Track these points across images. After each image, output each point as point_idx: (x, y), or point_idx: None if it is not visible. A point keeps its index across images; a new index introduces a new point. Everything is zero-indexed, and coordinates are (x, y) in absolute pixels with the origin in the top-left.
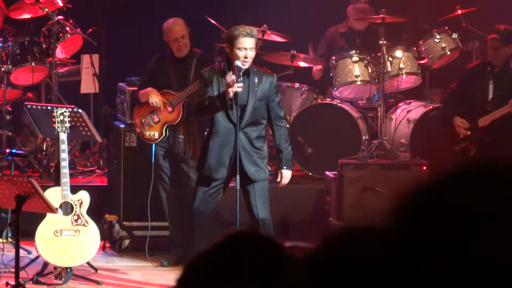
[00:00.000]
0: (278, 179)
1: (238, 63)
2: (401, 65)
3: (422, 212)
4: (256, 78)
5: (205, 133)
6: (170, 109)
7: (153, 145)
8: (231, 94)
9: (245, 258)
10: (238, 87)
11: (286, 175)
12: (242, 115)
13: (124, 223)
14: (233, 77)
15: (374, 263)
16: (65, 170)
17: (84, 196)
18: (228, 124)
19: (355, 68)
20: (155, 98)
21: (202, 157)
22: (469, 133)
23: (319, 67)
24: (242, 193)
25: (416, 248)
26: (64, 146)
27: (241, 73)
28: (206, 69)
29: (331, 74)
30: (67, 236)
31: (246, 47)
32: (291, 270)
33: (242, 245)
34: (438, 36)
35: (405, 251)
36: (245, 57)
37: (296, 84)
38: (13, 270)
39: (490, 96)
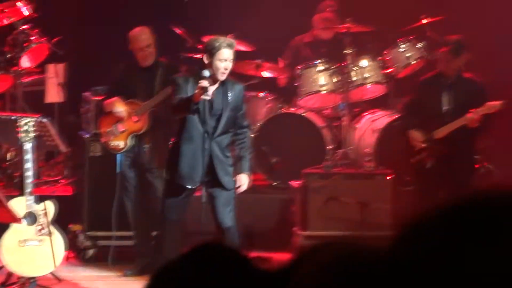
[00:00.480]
0: (237, 184)
1: (206, 73)
2: (366, 75)
3: (436, 238)
4: (229, 88)
5: (174, 139)
6: (135, 118)
7: (118, 154)
8: (200, 99)
9: (211, 270)
10: (207, 95)
11: (246, 180)
12: (217, 125)
13: (88, 233)
14: (206, 83)
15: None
16: (29, 180)
17: (49, 206)
18: (202, 132)
19: (320, 78)
20: (120, 108)
21: (172, 164)
22: (424, 145)
23: (286, 77)
24: (208, 200)
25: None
26: (28, 156)
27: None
28: (179, 74)
29: (296, 84)
30: (31, 246)
31: (227, 59)
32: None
33: (208, 256)
34: (403, 46)
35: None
36: (225, 68)
37: (261, 93)
38: None
39: (445, 108)
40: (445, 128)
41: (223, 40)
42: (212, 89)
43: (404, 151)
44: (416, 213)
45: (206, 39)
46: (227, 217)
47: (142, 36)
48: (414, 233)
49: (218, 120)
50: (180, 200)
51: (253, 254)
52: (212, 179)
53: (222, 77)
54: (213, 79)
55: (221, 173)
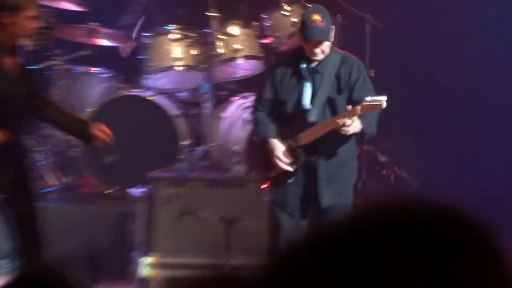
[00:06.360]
0: None
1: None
2: (238, 46)
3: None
4: None
5: None
6: None
7: None
8: None
9: None
10: None
11: None
12: None
13: None
14: None
15: None
16: None
17: None
18: None
19: (175, 49)
20: None
21: None
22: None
23: (131, 44)
24: None
25: None
26: None
27: None
28: None
29: (142, 57)
30: None
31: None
32: None
33: None
34: (288, 8)
35: None
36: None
37: (94, 68)
38: None
39: (307, 101)
40: (308, 132)
41: None
42: None
43: (262, 162)
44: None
45: None
46: None
47: None
48: (288, 265)
49: None
50: None
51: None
52: None
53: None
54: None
55: None
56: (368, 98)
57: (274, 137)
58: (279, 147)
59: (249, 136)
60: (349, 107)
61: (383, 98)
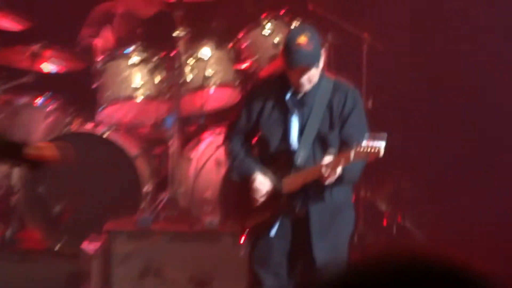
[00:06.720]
0: None
1: None
2: (210, 71)
3: None
4: None
5: None
6: None
7: None
8: None
9: None
10: None
11: None
12: None
13: None
14: None
15: None
16: None
17: None
18: None
19: (134, 75)
20: None
21: None
22: (264, 200)
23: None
24: None
25: None
26: None
27: None
28: None
29: (96, 84)
30: None
31: None
32: None
33: None
34: (269, 26)
35: None
36: None
37: (38, 98)
38: None
39: (294, 137)
40: (293, 178)
41: None
42: None
43: (239, 207)
44: None
45: None
46: None
47: None
48: None
49: None
50: None
51: None
52: None
53: None
54: None
55: None
56: (364, 143)
57: (259, 171)
58: (260, 181)
59: (224, 178)
60: (325, 162)
61: (382, 144)
